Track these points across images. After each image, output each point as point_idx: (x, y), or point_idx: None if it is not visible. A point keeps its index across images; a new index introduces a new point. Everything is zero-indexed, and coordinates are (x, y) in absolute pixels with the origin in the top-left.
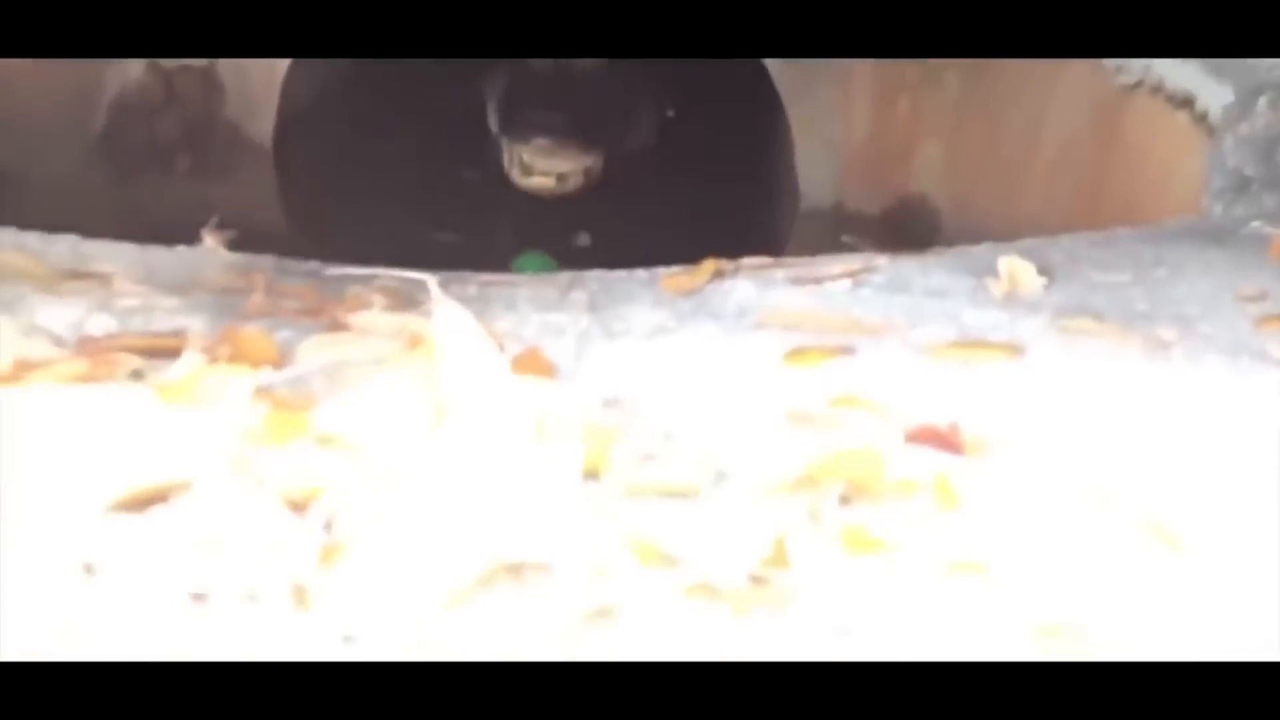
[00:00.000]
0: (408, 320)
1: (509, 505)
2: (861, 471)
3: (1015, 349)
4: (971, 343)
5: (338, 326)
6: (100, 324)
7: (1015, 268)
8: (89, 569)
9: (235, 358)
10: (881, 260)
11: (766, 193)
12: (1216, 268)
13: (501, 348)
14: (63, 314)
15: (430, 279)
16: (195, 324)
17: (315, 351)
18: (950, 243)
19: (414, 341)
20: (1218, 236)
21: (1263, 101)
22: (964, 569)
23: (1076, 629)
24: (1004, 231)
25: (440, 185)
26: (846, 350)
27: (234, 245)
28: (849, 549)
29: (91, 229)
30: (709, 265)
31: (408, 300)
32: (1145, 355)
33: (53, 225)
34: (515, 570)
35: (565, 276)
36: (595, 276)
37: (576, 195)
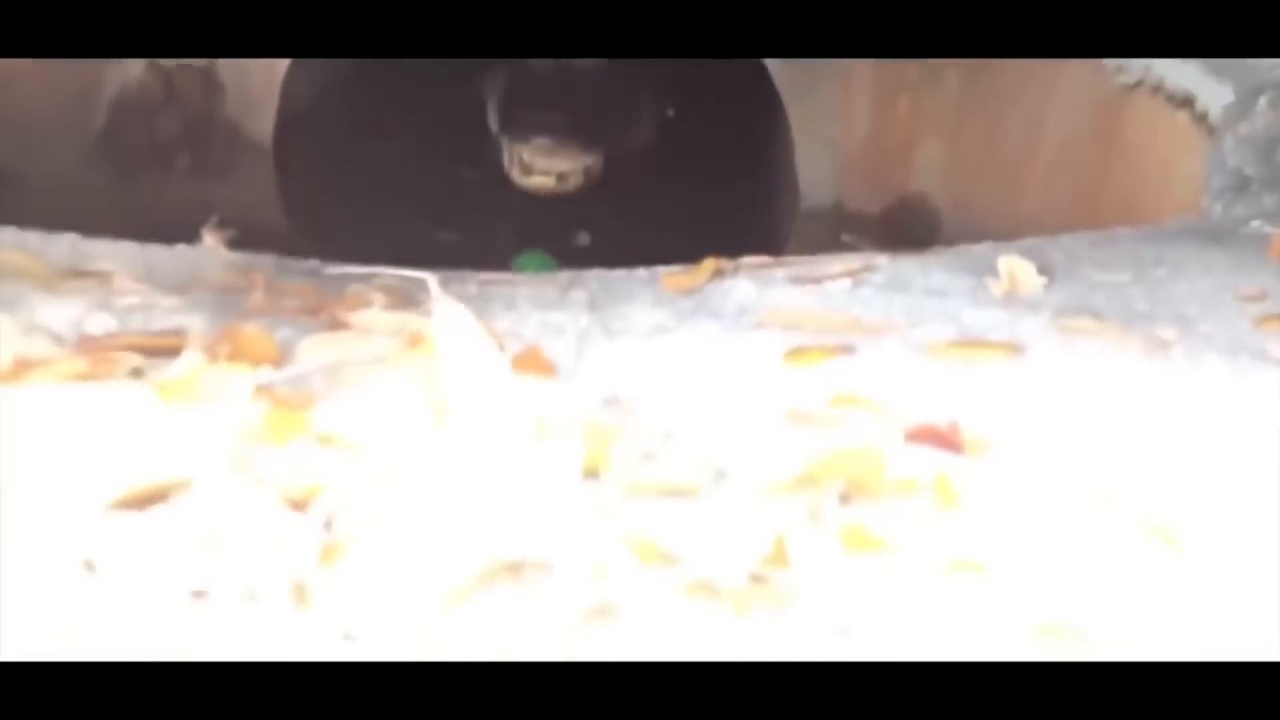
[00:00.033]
0: (408, 319)
1: (509, 504)
2: (861, 470)
3: (1015, 348)
4: (971, 342)
5: (338, 325)
6: (100, 322)
7: (1015, 267)
8: (89, 567)
9: (235, 356)
10: (881, 260)
11: (766, 192)
12: (1216, 267)
13: (501, 347)
14: (63, 312)
15: (430, 278)
16: (195, 322)
17: (315, 350)
18: (950, 242)
19: (414, 340)
20: (1218, 236)
21: (1263, 101)
22: (964, 568)
23: (1076, 628)
24: (1004, 231)
25: (440, 184)
26: (846, 349)
27: (234, 244)
28: (849, 548)
29: (91, 228)
30: (709, 264)
31: (408, 299)
32: (1145, 355)
33: (53, 224)
34: (515, 569)
35: (565, 275)
36: (595, 276)
37: (576, 195)
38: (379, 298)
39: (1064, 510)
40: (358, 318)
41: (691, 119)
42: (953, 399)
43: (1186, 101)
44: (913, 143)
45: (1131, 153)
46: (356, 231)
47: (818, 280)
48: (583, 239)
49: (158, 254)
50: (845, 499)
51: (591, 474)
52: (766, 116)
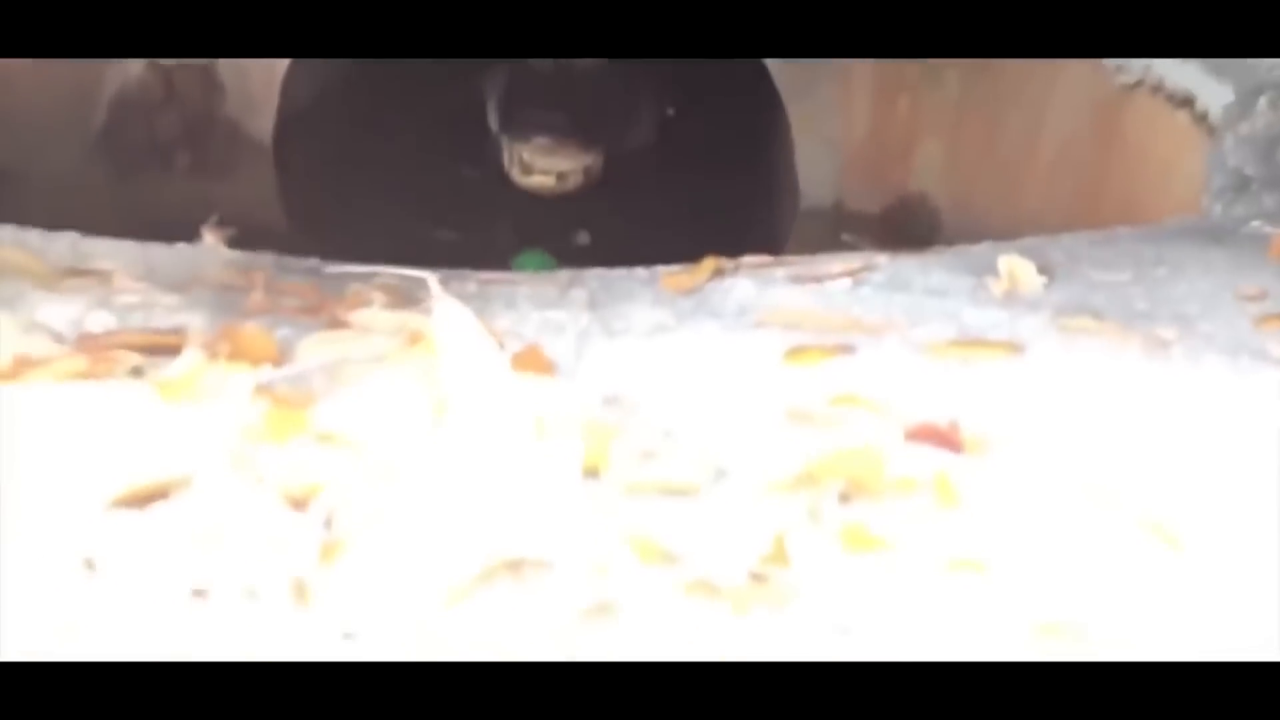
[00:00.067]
0: (408, 318)
1: (509, 502)
2: (861, 470)
3: (1015, 348)
4: (971, 341)
5: (338, 324)
6: (100, 321)
7: (1015, 266)
8: (90, 565)
9: (235, 355)
10: (881, 259)
11: (766, 191)
12: (1216, 267)
13: (501, 345)
14: (63, 311)
15: (430, 276)
16: (195, 321)
17: (315, 349)
18: (950, 242)
19: (414, 339)
20: (1218, 236)
21: (1263, 101)
22: (964, 567)
23: (1076, 627)
24: (1004, 230)
25: (440, 184)
26: (846, 349)
27: (234, 243)
28: (849, 547)
29: (91, 226)
30: (709, 264)
31: (408, 298)
32: (1145, 354)
33: (53, 222)
34: (515, 567)
35: (565, 274)
36: (595, 275)
37: (576, 194)
38: (379, 297)
39: (1064, 509)
40: (358, 316)
41: (691, 118)
42: (953, 398)
43: (1186, 101)
44: (913, 142)
45: (1131, 152)
46: (356, 230)
47: (818, 279)
48: (583, 238)
49: (157, 252)
50: (845, 498)
51: (591, 473)
52: (766, 115)
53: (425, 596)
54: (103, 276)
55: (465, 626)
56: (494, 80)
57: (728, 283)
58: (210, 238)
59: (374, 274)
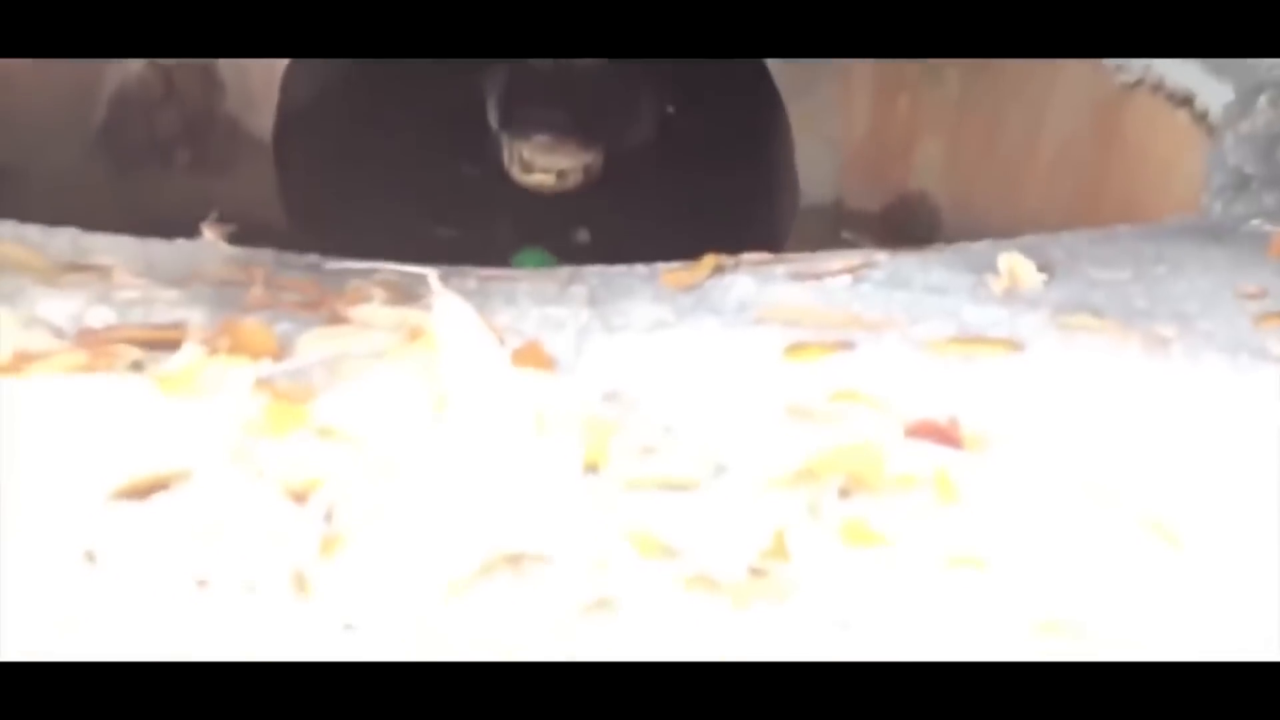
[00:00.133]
0: (408, 313)
1: (509, 497)
2: (861, 465)
3: (1015, 345)
4: (971, 339)
5: (338, 320)
6: (100, 316)
7: (1015, 264)
8: (90, 558)
9: (235, 350)
10: (882, 256)
11: (766, 188)
12: (1216, 265)
13: (502, 341)
14: (63, 306)
15: (431, 272)
16: (195, 316)
17: (315, 344)
18: (950, 240)
19: (414, 334)
20: (1217, 234)
21: (1263, 100)
22: (963, 563)
23: (1075, 624)
24: (1004, 229)
25: (440, 181)
26: (846, 345)
27: (233, 240)
28: (848, 542)
29: (92, 223)
30: (709, 260)
31: (408, 294)
32: (1145, 352)
33: (53, 219)
34: (515, 562)
35: (565, 271)
36: (595, 271)
37: (576, 192)
38: (379, 293)
39: (1063, 506)
40: (358, 312)
41: (692, 116)
42: (952, 395)
43: (1187, 100)
44: (913, 140)
45: (1131, 151)
46: (356, 228)
47: (818, 277)
48: (583, 236)
49: (157, 248)
50: (845, 494)
51: (591, 468)
52: (766, 113)
53: (425, 590)
54: (103, 272)
55: (465, 621)
56: (494, 78)
57: (728, 279)
58: (210, 234)
59: (374, 270)
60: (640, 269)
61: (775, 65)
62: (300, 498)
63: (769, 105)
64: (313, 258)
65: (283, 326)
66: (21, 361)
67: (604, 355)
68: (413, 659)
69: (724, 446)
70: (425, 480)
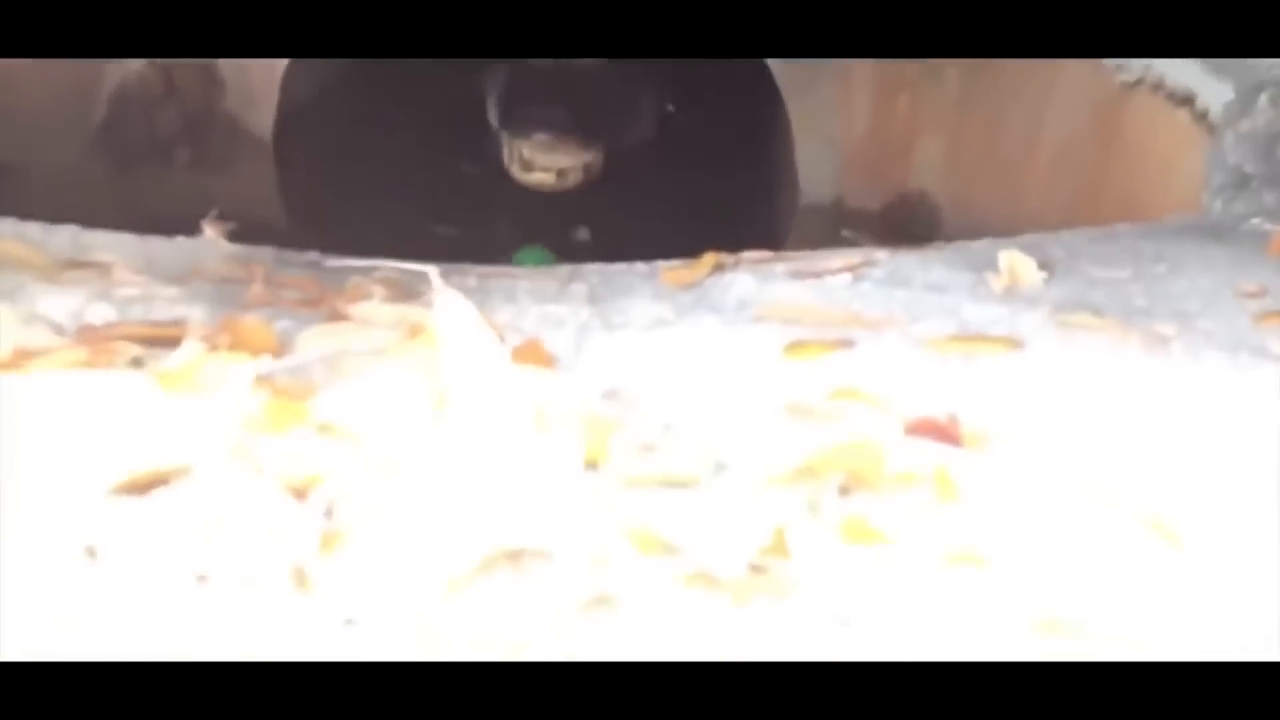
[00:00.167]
0: (408, 311)
1: (509, 494)
2: (861, 463)
3: (1015, 343)
4: (971, 337)
5: (338, 317)
6: (100, 313)
7: (1015, 262)
8: (91, 553)
9: (235, 346)
10: (881, 255)
11: (766, 187)
12: (1216, 264)
13: (502, 339)
14: (63, 303)
15: (431, 269)
16: (195, 313)
17: (315, 341)
18: (950, 239)
19: (414, 332)
20: (1217, 233)
21: (1263, 99)
22: (963, 561)
23: (1075, 622)
24: (1004, 228)
25: (440, 180)
26: (846, 344)
27: (233, 238)
28: (848, 540)
29: (92, 221)
30: (709, 258)
31: (408, 291)
32: (1144, 350)
33: (53, 217)
34: (515, 558)
35: (565, 269)
36: (595, 269)
37: (576, 190)
38: (379, 290)
39: (1063, 505)
40: (358, 309)
41: (692, 114)
42: (952, 393)
43: (1187, 99)
44: (913, 139)
45: (1132, 150)
46: (356, 226)
47: (818, 275)
48: (582, 234)
49: (157, 246)
50: (845, 491)
51: (591, 465)
52: (767, 112)
53: (425, 587)
54: (103, 269)
55: (465, 617)
56: (494, 77)
57: (728, 277)
58: (210, 232)
59: (374, 267)
60: (640, 267)
61: (775, 64)
62: (300, 494)
63: (769, 104)
64: (313, 255)
65: (283, 323)
66: (22, 358)
67: (604, 353)
68: (413, 656)
69: (724, 444)
70: (425, 477)
